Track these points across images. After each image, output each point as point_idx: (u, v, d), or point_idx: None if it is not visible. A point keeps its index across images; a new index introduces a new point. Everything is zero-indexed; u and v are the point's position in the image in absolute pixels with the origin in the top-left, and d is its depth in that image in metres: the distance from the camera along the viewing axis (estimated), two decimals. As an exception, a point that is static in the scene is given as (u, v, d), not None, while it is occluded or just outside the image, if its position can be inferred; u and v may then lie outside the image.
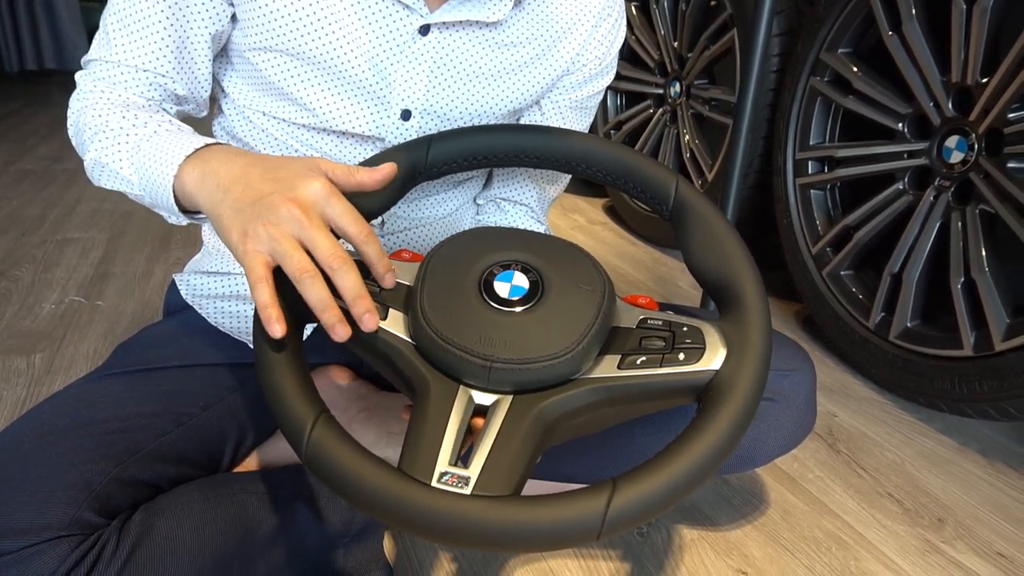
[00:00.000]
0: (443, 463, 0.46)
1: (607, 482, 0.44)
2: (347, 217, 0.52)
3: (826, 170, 1.39)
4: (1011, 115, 1.05)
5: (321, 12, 0.64)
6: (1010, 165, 1.05)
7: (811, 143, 1.40)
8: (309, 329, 0.66)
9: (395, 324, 0.54)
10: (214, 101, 0.77)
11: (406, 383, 0.53)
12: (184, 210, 0.61)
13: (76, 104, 0.68)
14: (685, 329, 0.54)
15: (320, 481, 0.66)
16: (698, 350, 0.52)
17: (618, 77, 2.01)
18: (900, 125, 1.24)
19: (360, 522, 0.73)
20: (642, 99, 2.03)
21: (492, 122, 0.75)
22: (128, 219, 1.88)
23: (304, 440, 0.47)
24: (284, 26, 0.65)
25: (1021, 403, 1.02)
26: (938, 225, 1.17)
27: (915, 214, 1.20)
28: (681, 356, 0.52)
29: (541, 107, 0.80)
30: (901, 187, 1.24)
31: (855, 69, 1.28)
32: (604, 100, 2.16)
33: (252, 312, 0.75)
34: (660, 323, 0.55)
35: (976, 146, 1.11)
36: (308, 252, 0.50)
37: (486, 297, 0.54)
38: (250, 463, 0.77)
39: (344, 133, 0.71)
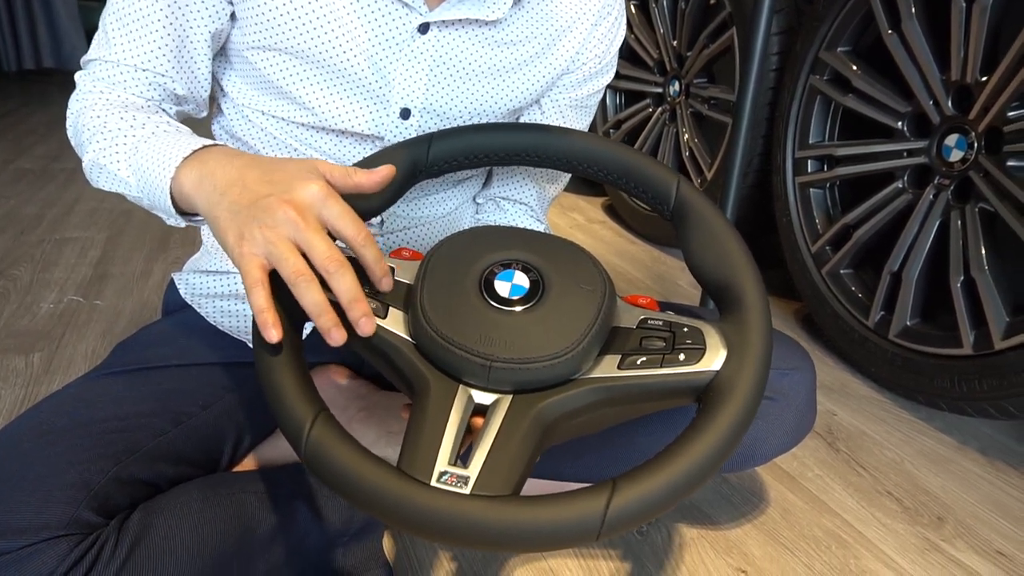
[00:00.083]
0: (442, 462, 0.46)
1: (607, 482, 0.44)
2: (344, 219, 0.52)
3: (825, 169, 1.39)
4: (1011, 113, 1.05)
5: (320, 11, 0.64)
6: (1010, 163, 1.05)
7: (810, 142, 1.40)
8: (309, 328, 0.66)
9: (395, 323, 0.54)
10: (213, 101, 0.77)
11: (406, 382, 0.53)
12: (182, 212, 0.60)
13: (75, 105, 0.68)
14: (686, 330, 0.54)
15: (319, 480, 0.66)
16: (698, 351, 0.52)
17: (617, 76, 2.01)
18: (899, 123, 1.24)
19: (359, 521, 0.73)
20: (641, 98, 2.03)
21: (492, 121, 0.75)
22: (127, 218, 1.88)
23: (303, 439, 0.46)
24: (283, 25, 0.64)
25: (1021, 401, 1.02)
26: (938, 224, 1.17)
27: (915, 213, 1.20)
28: (681, 357, 0.52)
29: (541, 106, 0.79)
30: (900, 186, 1.24)
31: (854, 67, 1.28)
32: (603, 99, 2.16)
33: (251, 311, 0.74)
34: (660, 323, 0.55)
35: (976, 144, 1.11)
36: (305, 255, 0.50)
37: (486, 296, 0.54)
38: (249, 462, 0.77)
39: (343, 132, 0.71)
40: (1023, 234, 1.03)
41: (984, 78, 1.07)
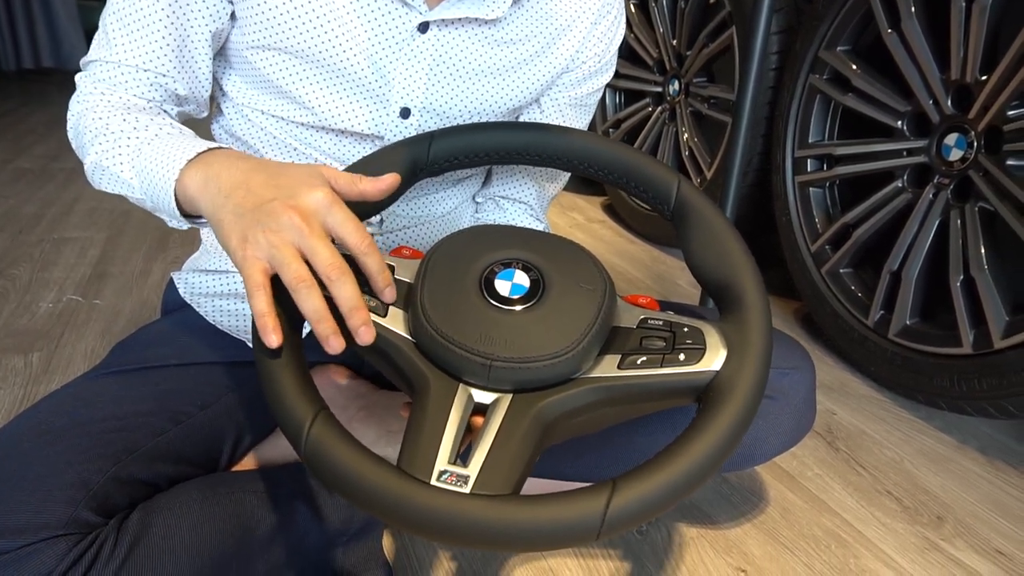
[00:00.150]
0: (442, 461, 0.46)
1: (607, 482, 0.44)
2: (348, 227, 0.52)
3: (825, 168, 1.39)
4: (1010, 113, 1.05)
5: (320, 10, 0.64)
6: (1009, 163, 1.05)
7: (810, 141, 1.40)
8: (308, 327, 0.66)
9: (395, 321, 0.54)
10: (212, 101, 0.77)
11: (406, 381, 0.53)
12: (185, 214, 0.60)
13: (76, 107, 0.68)
14: (686, 329, 0.54)
15: (319, 479, 0.65)
16: (699, 351, 0.52)
17: (617, 75, 2.01)
18: (899, 123, 1.24)
19: (359, 521, 0.73)
20: (641, 97, 2.03)
21: (492, 120, 0.75)
22: (126, 218, 1.87)
23: (303, 438, 0.46)
24: (283, 24, 0.64)
25: (1020, 401, 1.02)
26: (937, 223, 1.17)
27: (914, 212, 1.20)
28: (681, 356, 0.52)
29: (540, 105, 0.79)
30: (900, 185, 1.24)
31: (854, 67, 1.28)
32: (603, 98, 2.16)
33: (251, 312, 0.74)
34: (661, 323, 0.55)
35: (975, 144, 1.11)
36: (307, 261, 0.50)
37: (487, 295, 0.54)
38: (248, 462, 0.77)
39: (343, 131, 0.71)
40: (1023, 233, 1.03)
41: (984, 77, 1.07)
